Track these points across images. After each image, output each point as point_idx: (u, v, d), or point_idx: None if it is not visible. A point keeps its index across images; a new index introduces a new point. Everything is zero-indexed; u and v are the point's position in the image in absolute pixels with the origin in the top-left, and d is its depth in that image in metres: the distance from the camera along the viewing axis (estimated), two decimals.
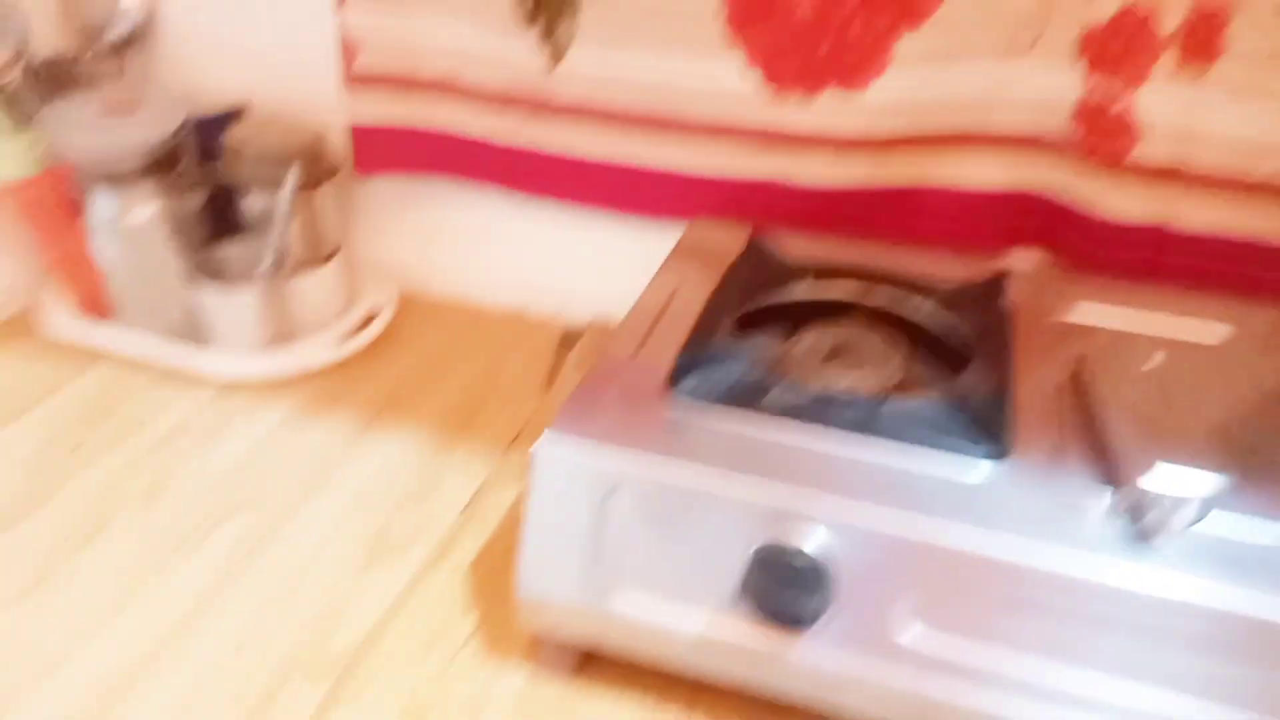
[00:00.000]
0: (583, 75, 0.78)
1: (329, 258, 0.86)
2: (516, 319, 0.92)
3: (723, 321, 0.62)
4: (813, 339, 0.62)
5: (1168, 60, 0.65)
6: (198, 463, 0.74)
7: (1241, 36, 0.63)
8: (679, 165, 0.79)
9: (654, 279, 0.71)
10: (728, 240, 0.73)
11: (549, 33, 0.77)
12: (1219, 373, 0.60)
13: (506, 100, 0.80)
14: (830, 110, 0.74)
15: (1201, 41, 0.64)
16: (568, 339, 0.89)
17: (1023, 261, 0.77)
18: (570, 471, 0.53)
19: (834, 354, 0.61)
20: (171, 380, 0.82)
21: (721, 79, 0.75)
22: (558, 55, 0.77)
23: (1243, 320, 0.65)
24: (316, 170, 0.83)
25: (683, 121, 0.77)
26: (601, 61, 0.77)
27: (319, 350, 0.84)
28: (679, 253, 0.74)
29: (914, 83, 0.71)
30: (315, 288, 0.85)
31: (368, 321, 0.88)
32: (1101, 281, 0.71)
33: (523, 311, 0.92)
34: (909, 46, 0.70)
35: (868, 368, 0.60)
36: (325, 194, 0.84)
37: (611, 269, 0.86)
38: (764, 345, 0.63)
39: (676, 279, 0.70)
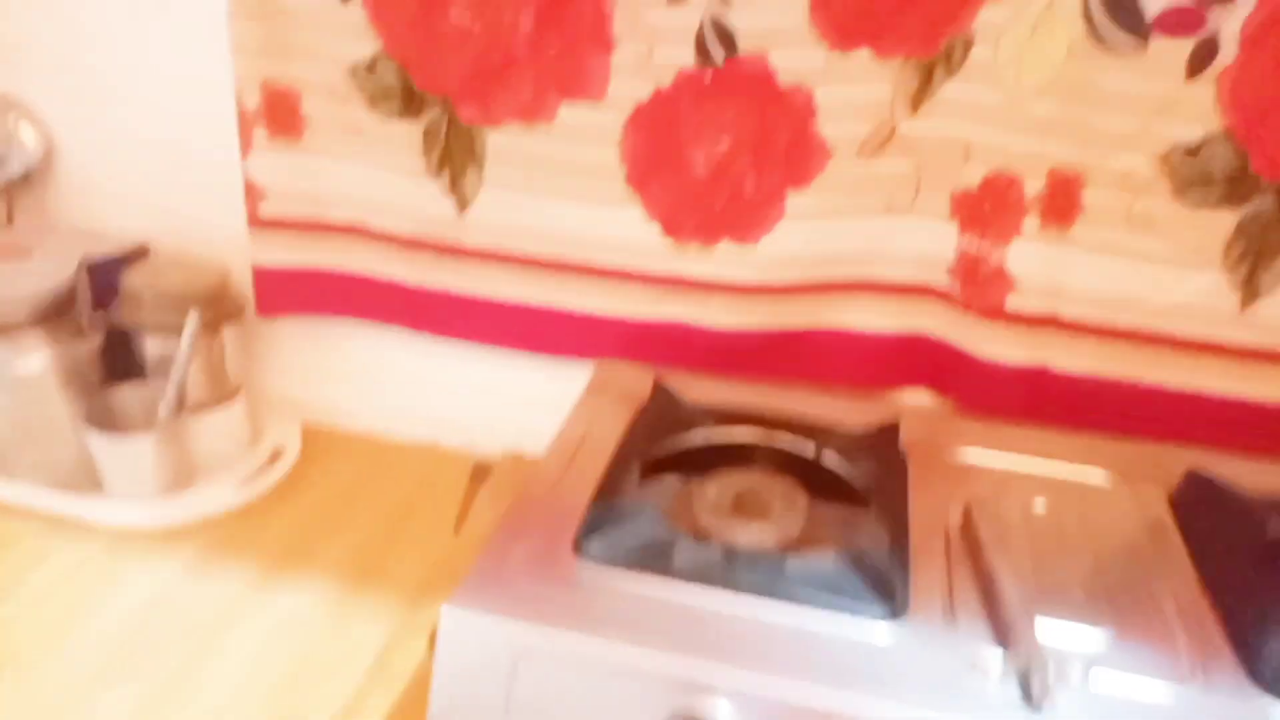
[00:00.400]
0: (489, 222, 0.80)
1: (231, 398, 0.84)
2: (427, 453, 0.91)
3: (630, 473, 0.64)
4: (717, 489, 0.64)
5: (1032, 220, 0.71)
6: (84, 621, 0.71)
7: (1095, 200, 0.69)
8: (586, 308, 0.81)
9: (565, 423, 0.72)
10: (635, 381, 0.75)
11: (455, 183, 0.79)
12: (1100, 516, 0.64)
13: (415, 245, 0.82)
14: (727, 261, 0.77)
15: (1061, 205, 0.70)
16: (479, 473, 0.89)
17: (914, 400, 0.81)
18: (477, 644, 0.53)
19: (738, 504, 0.63)
20: (60, 530, 0.79)
21: (624, 229, 0.78)
22: (464, 203, 0.79)
23: (1120, 461, 0.69)
24: (219, 311, 0.82)
25: (588, 267, 0.80)
26: (507, 209, 0.79)
27: (219, 495, 0.82)
28: (589, 393, 0.76)
29: (804, 236, 0.75)
30: (216, 430, 0.83)
31: (272, 461, 0.86)
32: (989, 423, 0.75)
33: (434, 445, 0.92)
34: (798, 204, 0.74)
35: (771, 518, 0.62)
36: (228, 335, 0.83)
37: (523, 402, 0.87)
38: (671, 495, 0.64)
39: (586, 421, 0.72)
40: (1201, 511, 0.63)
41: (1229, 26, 0.62)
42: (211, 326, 0.81)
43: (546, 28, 0.71)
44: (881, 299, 0.77)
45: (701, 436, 0.69)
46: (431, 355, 0.88)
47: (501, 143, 0.77)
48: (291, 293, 0.86)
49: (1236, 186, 0.66)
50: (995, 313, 0.74)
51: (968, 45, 0.67)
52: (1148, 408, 0.74)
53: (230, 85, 0.78)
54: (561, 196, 0.77)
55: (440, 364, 0.88)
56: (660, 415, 0.70)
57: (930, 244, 0.74)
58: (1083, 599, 0.56)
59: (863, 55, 0.68)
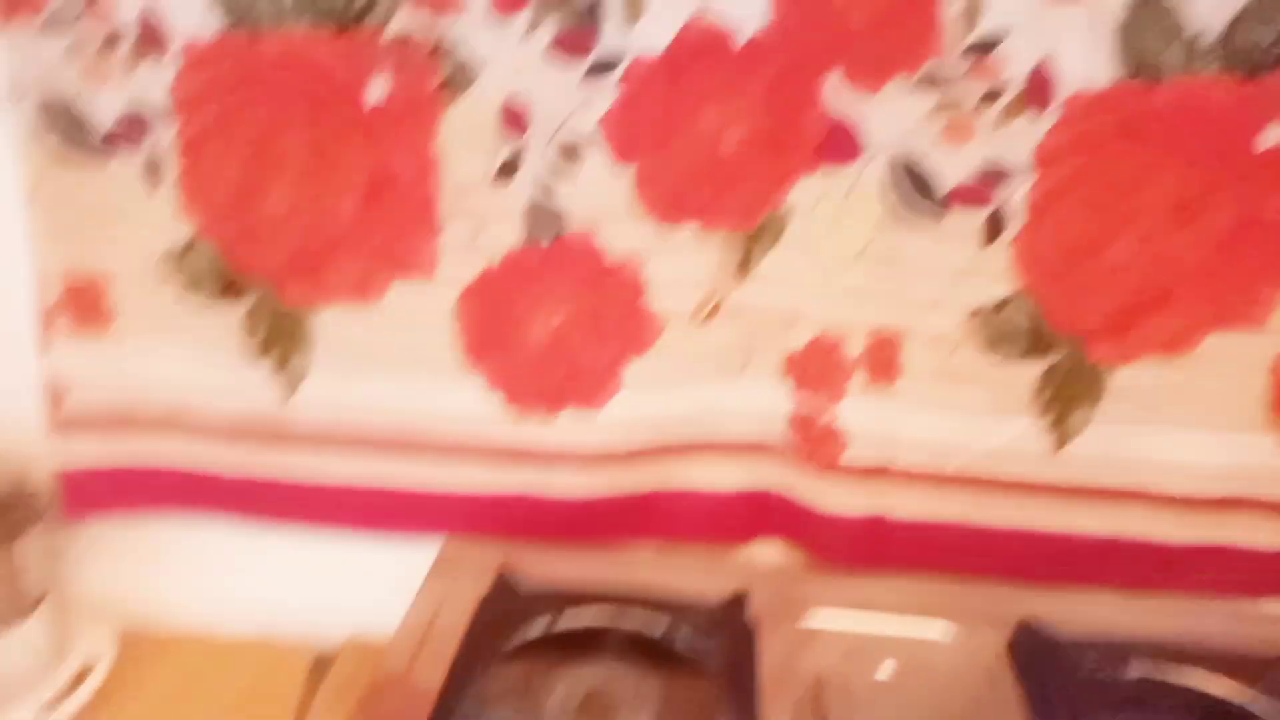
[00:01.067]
0: (321, 402, 0.77)
1: (30, 611, 0.76)
2: (261, 649, 0.84)
3: (477, 671, 0.61)
4: (565, 687, 0.62)
5: (859, 379, 0.74)
6: None
7: (913, 358, 0.73)
8: (428, 484, 0.78)
9: (411, 608, 0.68)
10: (484, 557, 0.72)
11: (282, 365, 0.75)
12: (943, 672, 0.65)
13: (239, 432, 0.77)
14: (571, 428, 0.76)
15: (882, 363, 0.73)
16: (320, 665, 0.83)
17: (766, 553, 0.81)
18: None
19: (587, 704, 0.61)
20: None
21: (464, 402, 0.76)
22: (293, 386, 0.76)
23: (961, 609, 0.70)
24: (17, 519, 0.75)
25: (428, 442, 0.77)
26: (340, 389, 0.76)
27: None
28: (435, 573, 0.73)
29: (644, 403, 0.76)
30: (15, 648, 0.75)
31: (81, 677, 0.78)
32: (836, 580, 0.76)
33: (268, 640, 0.85)
34: (636, 372, 0.75)
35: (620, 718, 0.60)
36: (28, 542, 0.76)
37: (364, 585, 0.82)
38: (519, 693, 0.61)
39: (434, 604, 0.69)
40: (1033, 658, 0.65)
41: (1014, 199, 0.67)
42: (9, 536, 0.74)
43: (371, 210, 0.71)
44: (724, 458, 0.78)
45: (548, 624, 0.67)
46: (263, 542, 0.83)
47: (330, 323, 0.74)
48: (103, 492, 0.79)
49: (1037, 341, 0.71)
50: (832, 466, 0.76)
51: (786, 218, 0.70)
52: (981, 548, 0.77)
53: (25, 275, 0.73)
54: (397, 373, 0.75)
55: (273, 550, 0.83)
56: (504, 605, 0.67)
57: (766, 404, 0.76)
58: None
59: (688, 230, 0.71)
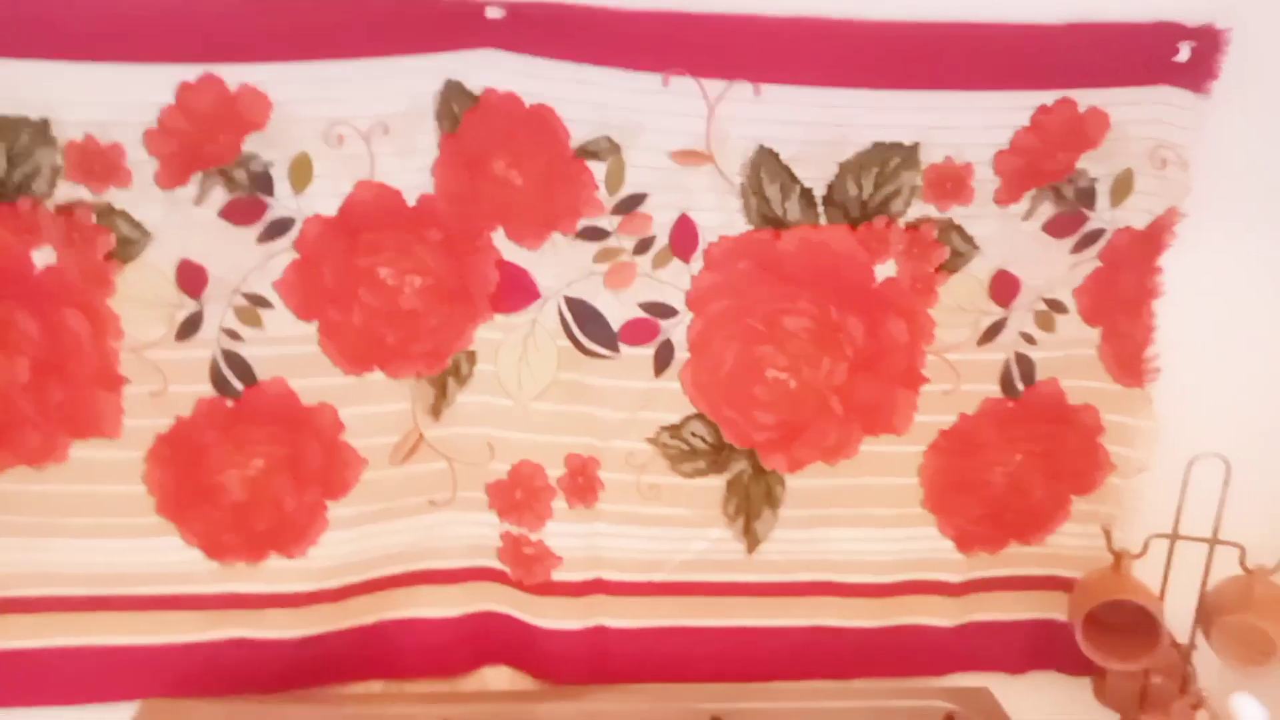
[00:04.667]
0: (6, 570, 0.73)
1: None
2: None
3: None
4: None
5: (560, 502, 0.78)
6: None
7: (611, 478, 0.77)
8: (128, 642, 0.75)
9: None
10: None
11: None
12: None
13: None
14: (278, 575, 0.76)
15: (582, 485, 0.78)
16: None
17: (495, 679, 0.83)
18: None
19: None
20: None
21: (160, 557, 0.74)
22: None
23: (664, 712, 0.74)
24: None
25: (126, 600, 0.75)
26: (22, 554, 0.73)
27: None
28: None
29: (351, 542, 0.76)
30: None
31: None
32: (549, 705, 0.78)
33: None
34: (340, 513, 0.75)
35: None
36: None
37: None
38: None
39: None
40: None
41: (677, 334, 0.74)
42: None
43: (46, 375, 0.69)
44: (441, 588, 0.79)
45: None
46: None
47: (8, 489, 0.71)
48: None
49: (717, 456, 0.77)
50: (546, 587, 0.79)
51: (472, 360, 0.74)
52: (692, 649, 0.81)
53: None
54: (85, 534, 0.73)
55: None
56: None
57: (475, 532, 0.78)
58: None
59: (377, 377, 0.73)
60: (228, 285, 0.69)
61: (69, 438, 0.71)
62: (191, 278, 0.69)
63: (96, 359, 0.69)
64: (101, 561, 0.74)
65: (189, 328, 0.70)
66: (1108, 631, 0.74)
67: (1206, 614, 0.74)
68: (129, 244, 0.68)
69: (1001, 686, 0.81)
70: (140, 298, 0.69)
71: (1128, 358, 0.77)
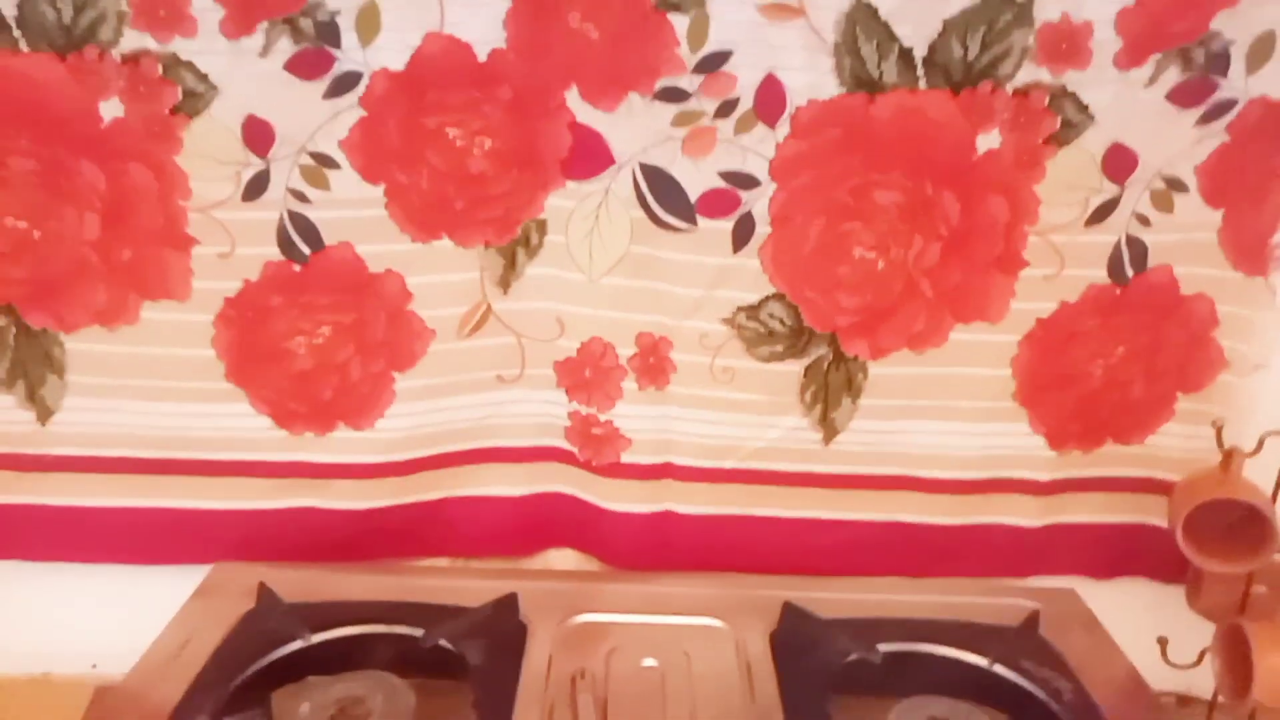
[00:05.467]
0: (79, 431, 0.74)
1: None
2: (38, 686, 0.81)
3: (211, 698, 0.60)
4: (316, 699, 0.61)
5: (631, 383, 0.75)
6: None
7: (683, 359, 0.75)
8: (200, 507, 0.76)
9: (162, 633, 0.67)
10: (249, 582, 0.71)
11: (32, 393, 0.72)
12: (704, 665, 0.67)
13: None
14: (345, 446, 0.76)
15: (654, 366, 0.75)
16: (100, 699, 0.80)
17: (561, 561, 0.82)
18: None
19: (341, 712, 0.61)
20: None
21: (231, 423, 0.74)
22: (45, 415, 0.73)
23: (732, 607, 0.72)
24: None
25: (196, 464, 0.75)
26: (98, 415, 0.73)
27: None
28: (196, 597, 0.72)
29: (418, 415, 0.75)
30: None
31: None
32: (618, 582, 0.77)
33: (44, 677, 0.82)
34: (407, 386, 0.74)
35: None
36: None
37: (143, 617, 0.79)
38: (262, 713, 0.60)
39: (189, 629, 0.67)
40: (790, 643, 0.68)
41: (759, 207, 0.70)
42: None
43: (115, 231, 0.68)
44: (507, 466, 0.78)
45: (305, 639, 0.66)
46: (28, 578, 0.79)
47: (82, 348, 0.72)
48: None
49: (796, 340, 0.74)
50: (614, 469, 0.77)
51: (542, 230, 0.71)
52: (761, 540, 0.79)
53: None
54: (158, 397, 0.73)
55: (41, 586, 0.79)
56: (260, 623, 0.67)
57: (543, 410, 0.77)
58: None
59: (445, 245, 0.71)
60: (294, 144, 0.67)
61: (139, 298, 0.70)
62: (258, 135, 0.67)
63: (164, 218, 0.68)
64: (173, 425, 0.74)
65: (256, 188, 0.68)
66: (1208, 539, 0.70)
67: None
68: (195, 97, 0.65)
69: (1088, 590, 0.77)
70: (207, 155, 0.67)
71: (1251, 244, 0.70)
